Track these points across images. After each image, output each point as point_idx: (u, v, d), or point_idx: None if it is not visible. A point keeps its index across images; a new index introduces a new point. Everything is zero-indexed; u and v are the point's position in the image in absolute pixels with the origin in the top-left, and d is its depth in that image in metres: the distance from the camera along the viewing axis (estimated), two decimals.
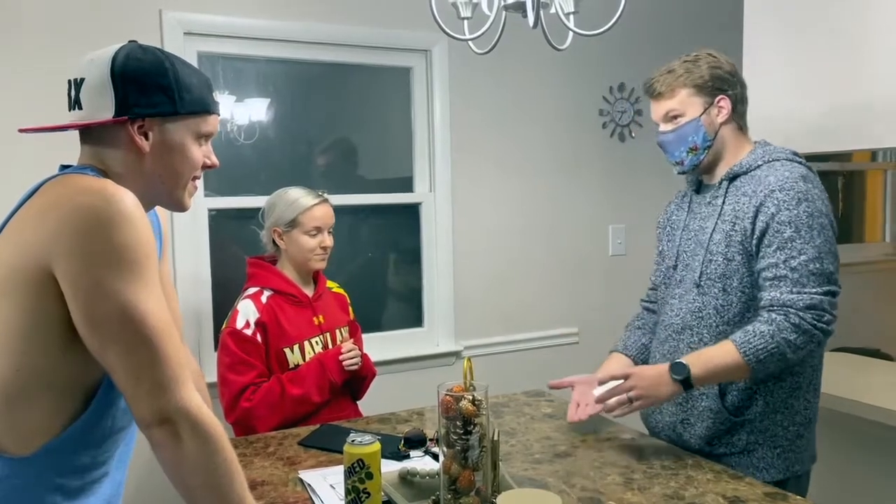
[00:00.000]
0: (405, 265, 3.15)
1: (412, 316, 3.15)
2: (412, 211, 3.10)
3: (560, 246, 3.33)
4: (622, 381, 1.70)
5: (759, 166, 1.75)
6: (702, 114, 1.76)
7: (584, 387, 1.91)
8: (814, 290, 1.63)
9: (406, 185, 3.10)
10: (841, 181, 4.52)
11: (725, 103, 1.77)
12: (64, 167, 1.21)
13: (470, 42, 1.96)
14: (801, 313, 1.62)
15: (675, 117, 1.78)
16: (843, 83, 2.30)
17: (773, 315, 1.63)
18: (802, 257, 1.63)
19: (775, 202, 1.66)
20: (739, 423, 1.75)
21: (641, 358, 1.99)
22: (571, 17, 1.85)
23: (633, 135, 3.43)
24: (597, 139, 3.37)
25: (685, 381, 1.66)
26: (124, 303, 1.06)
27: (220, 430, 1.12)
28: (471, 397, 1.38)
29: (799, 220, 1.64)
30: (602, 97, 3.36)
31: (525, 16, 1.82)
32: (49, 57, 2.38)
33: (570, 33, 1.89)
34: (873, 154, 4.54)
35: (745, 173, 1.76)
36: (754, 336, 1.63)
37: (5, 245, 1.11)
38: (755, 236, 1.69)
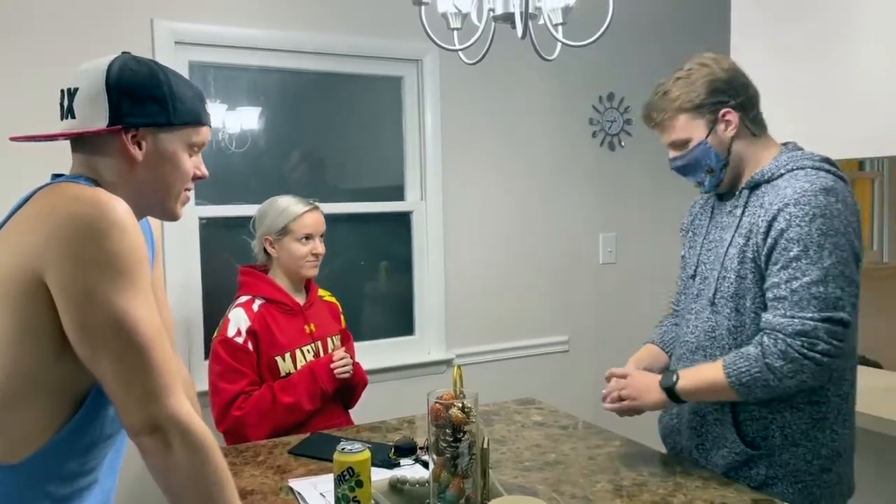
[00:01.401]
0: (396, 273, 3.16)
1: (403, 324, 3.15)
2: (403, 219, 3.11)
3: (550, 254, 3.34)
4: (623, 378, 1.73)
5: (781, 175, 1.61)
6: (708, 135, 1.64)
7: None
8: (811, 315, 1.49)
9: (397, 193, 3.11)
10: None
11: (732, 116, 1.63)
12: (56, 176, 1.22)
13: (460, 52, 1.98)
14: (788, 339, 1.50)
15: (682, 144, 1.67)
16: (830, 93, 2.32)
17: (764, 338, 1.54)
18: (805, 279, 1.50)
19: (787, 217, 1.53)
20: (757, 456, 1.63)
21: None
22: (560, 28, 1.87)
23: (623, 144, 3.45)
24: (587, 148, 3.39)
25: (671, 390, 1.64)
26: (115, 310, 1.06)
27: (210, 438, 1.13)
28: (460, 405, 1.39)
29: (809, 238, 1.51)
30: (592, 107, 3.39)
31: (514, 27, 1.84)
32: (40, 66, 2.38)
33: (559, 44, 1.91)
34: (860, 163, 4.58)
35: (767, 182, 1.63)
36: (741, 357, 1.56)
37: None
38: (765, 252, 1.57)
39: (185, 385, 1.29)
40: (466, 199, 3.15)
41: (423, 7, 1.90)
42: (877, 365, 3.36)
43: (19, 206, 1.16)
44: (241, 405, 2.17)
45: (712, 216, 1.78)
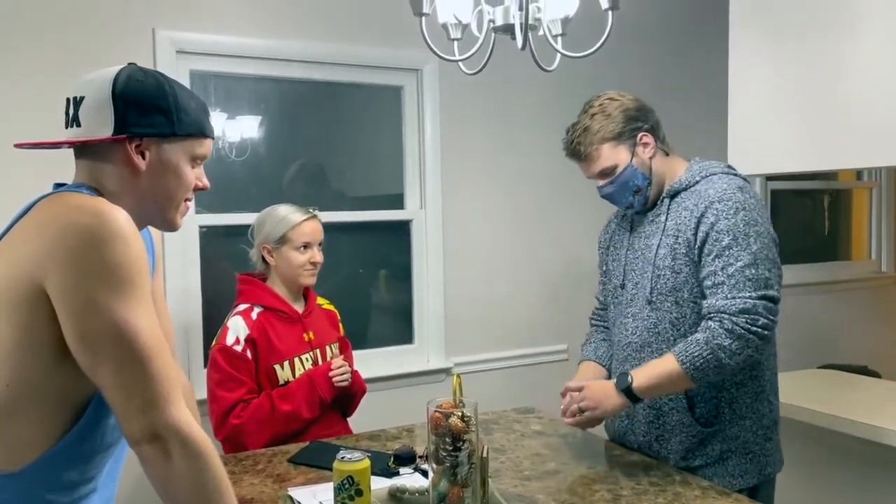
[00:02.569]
0: (396, 282, 3.16)
1: (402, 333, 3.15)
2: (403, 228, 3.11)
3: (550, 263, 3.35)
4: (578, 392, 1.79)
5: (697, 182, 1.80)
6: (632, 158, 1.81)
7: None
8: (748, 294, 1.65)
9: (397, 202, 3.11)
10: (827, 200, 4.57)
11: (648, 138, 1.82)
12: (58, 185, 1.23)
13: (460, 63, 1.99)
14: (734, 318, 1.64)
15: (610, 172, 1.82)
16: (828, 103, 2.33)
17: (710, 322, 1.67)
18: (739, 263, 1.67)
19: (714, 212, 1.71)
20: (711, 434, 1.78)
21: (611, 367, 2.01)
22: (559, 38, 1.88)
23: None
24: None
25: (628, 391, 1.71)
26: (116, 320, 1.07)
27: (210, 447, 1.13)
28: (460, 414, 1.39)
29: (736, 228, 1.68)
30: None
31: (514, 38, 1.85)
32: (43, 74, 2.39)
33: (558, 55, 1.92)
34: (858, 173, 4.59)
35: (685, 189, 1.81)
36: (691, 344, 1.68)
37: None
38: (697, 246, 1.73)
39: (185, 393, 1.29)
40: (466, 208, 3.16)
41: (423, 17, 1.91)
42: (876, 375, 3.37)
43: (21, 215, 1.16)
44: (240, 413, 2.17)
45: (632, 229, 1.93)
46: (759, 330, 1.64)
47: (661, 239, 1.80)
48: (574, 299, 3.38)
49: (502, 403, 2.39)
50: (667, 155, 1.87)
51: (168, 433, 1.08)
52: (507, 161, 3.23)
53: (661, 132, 1.87)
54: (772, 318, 1.66)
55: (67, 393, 1.13)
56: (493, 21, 1.89)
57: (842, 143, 2.30)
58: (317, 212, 2.42)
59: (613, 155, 1.81)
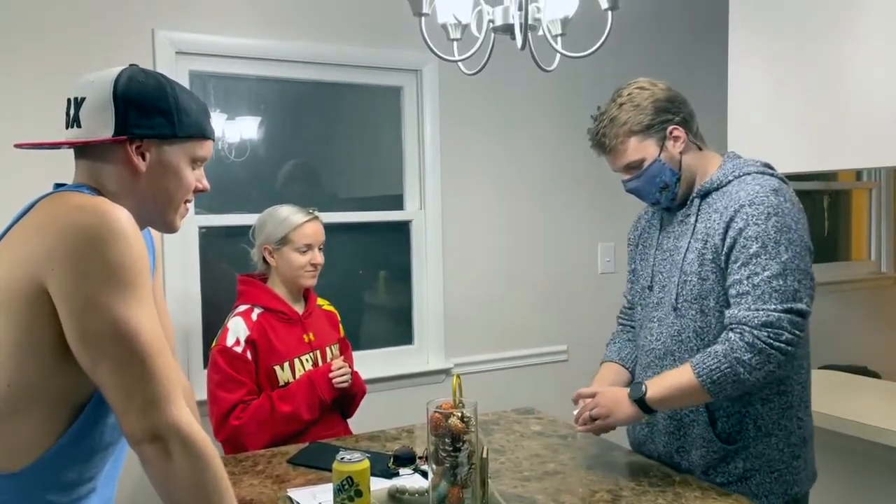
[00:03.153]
0: (395, 283, 3.16)
1: (402, 333, 3.15)
2: (402, 228, 3.11)
3: (549, 264, 3.34)
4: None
5: (729, 181, 1.69)
6: (660, 152, 1.71)
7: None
8: (773, 307, 1.55)
9: (396, 202, 3.11)
10: (826, 200, 4.57)
11: (678, 132, 1.71)
12: (59, 185, 1.23)
13: (459, 63, 1.99)
14: (755, 331, 1.55)
15: (636, 166, 1.73)
16: (827, 103, 2.33)
17: (730, 334, 1.58)
18: (766, 273, 1.57)
19: (744, 217, 1.61)
20: (734, 451, 1.69)
21: (634, 370, 1.94)
22: (559, 38, 1.88)
23: None
24: (586, 158, 3.36)
25: (641, 401, 1.64)
26: (117, 319, 1.07)
27: (210, 447, 1.13)
28: (460, 414, 1.39)
29: (766, 235, 1.58)
30: (591, 117, 3.38)
31: (513, 38, 1.85)
32: (43, 75, 2.39)
33: (558, 55, 1.92)
34: (858, 173, 4.59)
35: (717, 189, 1.71)
36: (709, 356, 1.59)
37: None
38: (724, 252, 1.64)
39: (186, 393, 1.30)
40: (465, 209, 3.16)
41: (422, 18, 1.91)
42: (876, 375, 3.37)
43: (22, 215, 1.16)
44: (240, 414, 2.16)
45: (662, 227, 1.84)
46: (782, 345, 1.54)
47: (689, 242, 1.71)
48: (574, 300, 3.39)
49: (502, 404, 2.39)
50: (700, 149, 1.76)
51: (169, 433, 1.08)
52: (507, 161, 3.23)
53: (695, 124, 1.76)
54: (797, 332, 1.56)
55: (68, 393, 1.13)
56: (492, 21, 1.89)
57: (841, 144, 2.30)
58: (317, 213, 2.42)
59: (641, 148, 1.71)
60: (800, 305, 1.57)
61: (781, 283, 1.56)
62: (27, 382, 1.10)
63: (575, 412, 1.76)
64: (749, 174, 1.68)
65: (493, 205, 3.22)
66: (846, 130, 2.28)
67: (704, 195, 1.73)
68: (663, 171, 1.72)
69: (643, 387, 1.65)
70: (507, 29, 1.86)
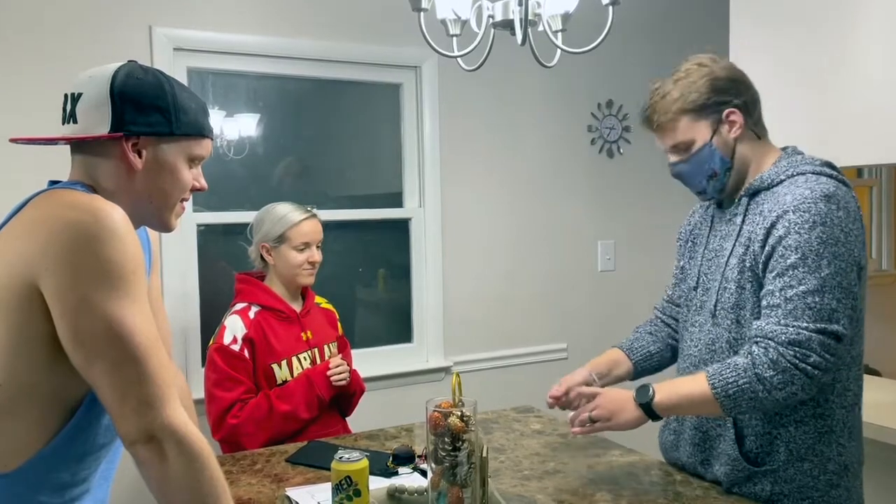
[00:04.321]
0: (394, 281, 3.15)
1: (401, 332, 3.14)
2: (402, 226, 3.10)
3: (549, 262, 3.33)
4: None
5: (781, 181, 1.55)
6: (712, 136, 1.57)
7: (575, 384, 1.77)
8: (805, 325, 1.42)
9: (396, 200, 3.10)
10: None
11: (736, 116, 1.57)
12: (53, 182, 1.22)
13: (459, 59, 1.98)
14: (780, 348, 1.42)
15: (685, 148, 1.60)
16: (828, 101, 2.32)
17: (754, 347, 1.46)
18: (801, 287, 1.43)
19: (786, 224, 1.47)
20: (762, 473, 1.55)
21: (643, 364, 1.85)
22: (559, 34, 1.87)
23: (622, 151, 3.45)
24: (585, 155, 3.39)
25: (647, 406, 1.53)
26: (111, 318, 1.05)
27: (206, 447, 1.12)
28: (459, 413, 1.38)
29: (808, 246, 1.44)
30: (591, 114, 3.39)
31: (513, 33, 1.84)
32: (39, 71, 2.38)
33: (558, 51, 1.91)
34: (858, 171, 4.59)
35: (767, 189, 1.57)
36: (727, 368, 1.47)
37: None
38: (762, 260, 1.51)
39: (182, 394, 1.29)
40: (465, 206, 3.14)
41: (422, 13, 1.90)
42: (876, 373, 3.36)
43: (15, 213, 1.15)
44: (238, 413, 2.15)
45: (712, 225, 1.72)
46: (808, 367, 1.41)
47: (734, 246, 1.58)
48: (574, 298, 3.38)
49: (502, 402, 2.38)
50: (759, 139, 1.61)
51: (163, 434, 1.07)
52: (506, 158, 3.22)
53: (757, 112, 1.61)
54: (828, 356, 1.41)
55: (61, 393, 1.12)
56: (492, 16, 1.88)
57: (842, 141, 2.29)
58: (316, 211, 2.40)
59: (692, 129, 1.57)
60: (835, 327, 1.42)
61: (818, 299, 1.43)
62: (20, 382, 1.09)
63: (570, 414, 1.65)
64: (803, 174, 1.53)
65: (492, 202, 3.21)
66: (846, 128, 2.27)
67: (753, 194, 1.59)
68: (713, 157, 1.58)
69: (650, 390, 1.53)
70: (507, 24, 1.85)
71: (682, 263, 1.81)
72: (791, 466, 1.54)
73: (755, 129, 1.61)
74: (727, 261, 1.60)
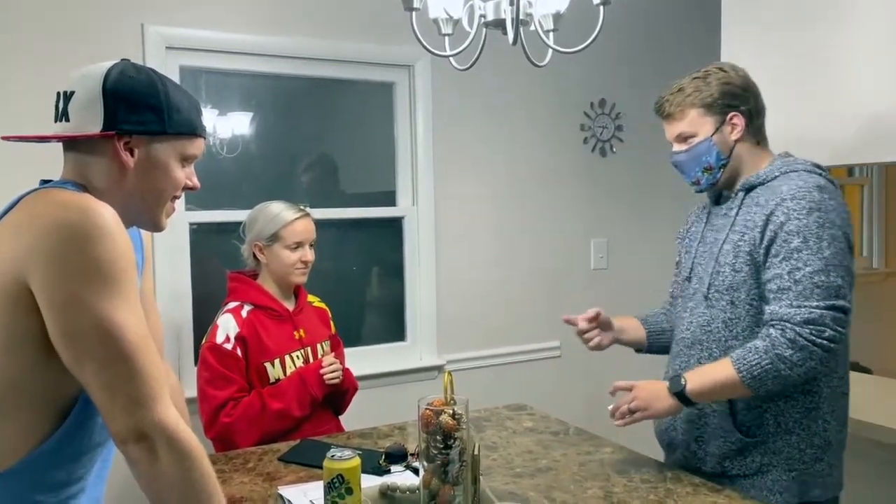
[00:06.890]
0: (387, 279, 3.15)
1: (394, 330, 3.14)
2: (395, 225, 3.10)
3: (542, 260, 3.34)
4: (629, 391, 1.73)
5: (775, 177, 1.69)
6: (713, 133, 1.72)
7: (597, 328, 1.96)
8: (816, 303, 1.55)
9: (389, 198, 3.10)
10: None
11: (739, 120, 1.72)
12: (44, 181, 1.21)
13: (451, 58, 1.98)
14: (797, 328, 1.55)
15: (687, 138, 1.75)
16: (819, 100, 2.33)
17: (771, 330, 1.59)
18: (808, 269, 1.57)
19: (785, 211, 1.61)
20: (752, 444, 1.69)
21: (655, 337, 1.99)
22: (551, 34, 1.88)
23: (615, 150, 3.45)
24: (578, 154, 3.40)
25: (681, 395, 1.65)
26: (101, 317, 1.05)
27: (197, 446, 1.12)
28: (451, 411, 1.39)
29: (808, 230, 1.58)
30: (583, 112, 3.39)
31: (505, 33, 1.84)
32: (31, 69, 2.37)
33: (550, 50, 1.91)
34: (850, 169, 4.61)
35: (762, 184, 1.71)
36: (750, 351, 1.59)
37: None
38: (763, 246, 1.64)
39: (174, 392, 1.29)
40: (458, 205, 3.15)
41: (414, 13, 1.90)
42: (867, 370, 3.38)
43: (6, 212, 1.15)
44: (230, 412, 2.15)
45: (708, 220, 1.85)
46: (825, 342, 1.55)
47: (727, 234, 1.72)
48: (567, 296, 3.39)
49: (494, 400, 2.39)
50: (757, 144, 1.77)
51: (154, 432, 1.07)
52: (499, 157, 3.22)
53: (760, 121, 1.77)
54: (840, 329, 1.56)
55: (54, 392, 1.12)
56: (484, 16, 1.88)
57: (833, 140, 2.30)
58: (308, 209, 2.40)
59: (697, 122, 1.72)
60: (842, 302, 1.57)
61: (824, 279, 1.56)
62: (12, 382, 1.09)
63: (610, 407, 1.75)
64: (796, 171, 1.68)
65: (485, 200, 3.21)
66: (838, 127, 2.28)
67: (749, 189, 1.73)
68: (711, 151, 1.73)
69: (682, 380, 1.65)
70: (499, 24, 1.85)
71: (678, 259, 1.94)
72: (779, 438, 1.68)
73: (756, 135, 1.77)
74: (721, 247, 1.73)
